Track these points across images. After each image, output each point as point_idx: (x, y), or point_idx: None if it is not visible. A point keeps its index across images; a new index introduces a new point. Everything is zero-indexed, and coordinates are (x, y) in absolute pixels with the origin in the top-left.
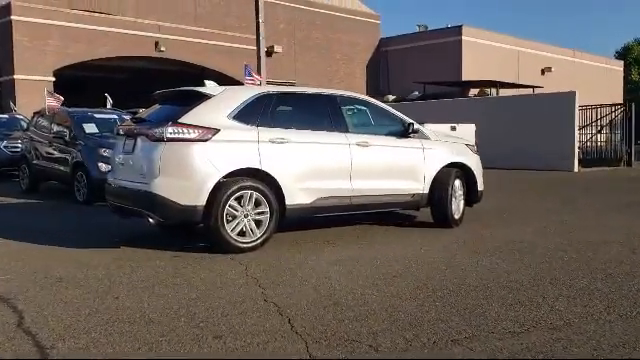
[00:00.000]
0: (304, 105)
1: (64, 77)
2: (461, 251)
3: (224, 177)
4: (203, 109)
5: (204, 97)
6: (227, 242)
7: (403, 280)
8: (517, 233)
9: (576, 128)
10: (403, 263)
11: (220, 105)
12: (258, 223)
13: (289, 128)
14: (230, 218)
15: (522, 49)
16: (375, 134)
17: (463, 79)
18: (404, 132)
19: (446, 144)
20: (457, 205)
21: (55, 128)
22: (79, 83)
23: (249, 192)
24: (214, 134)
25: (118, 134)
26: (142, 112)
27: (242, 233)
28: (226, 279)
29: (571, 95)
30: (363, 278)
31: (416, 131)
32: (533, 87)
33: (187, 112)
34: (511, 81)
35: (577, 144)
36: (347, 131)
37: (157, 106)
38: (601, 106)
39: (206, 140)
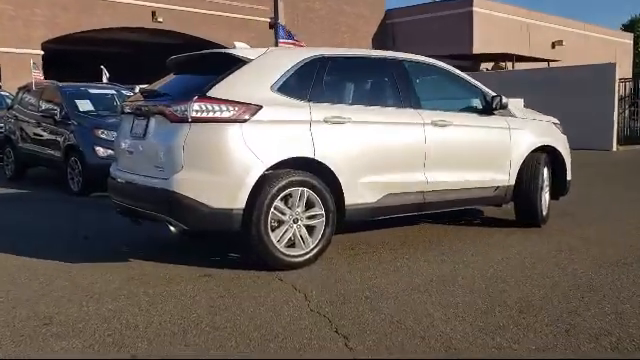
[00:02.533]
0: (366, 73)
1: (53, 51)
2: (579, 263)
3: (268, 170)
4: (239, 78)
5: (238, 62)
6: (273, 256)
7: (535, 317)
8: (623, 233)
9: (616, 103)
10: (516, 286)
11: (261, 73)
12: (310, 230)
13: (348, 103)
14: (275, 224)
15: (533, 21)
16: (452, 110)
17: (474, 52)
18: (487, 108)
19: (533, 123)
20: (544, 199)
21: (43, 105)
22: (70, 58)
23: (299, 189)
24: (255, 112)
25: (123, 112)
26: (153, 84)
27: (291, 243)
28: (284, 317)
29: (610, 67)
30: (476, 315)
31: (504, 106)
32: (548, 61)
33: (217, 83)
34: (526, 54)
35: (616, 120)
36: (419, 107)
37: (172, 76)
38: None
39: (245, 120)
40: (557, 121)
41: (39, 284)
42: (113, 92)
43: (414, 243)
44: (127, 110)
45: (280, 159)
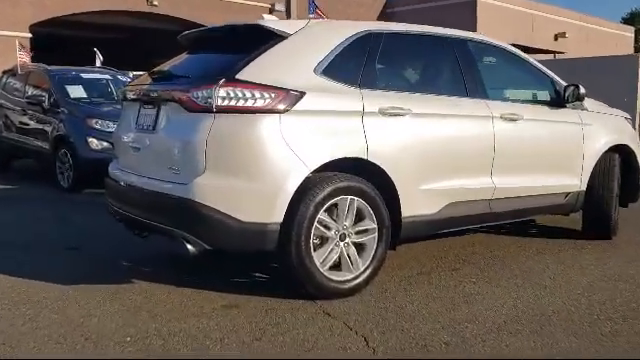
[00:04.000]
0: (425, 53)
1: (43, 35)
2: None
3: (312, 173)
4: (275, 57)
5: (274, 37)
6: (315, 282)
7: None
8: None
9: (639, 97)
10: (627, 327)
11: (302, 51)
12: (360, 248)
13: (405, 91)
14: (318, 242)
15: (537, 12)
16: (522, 102)
17: None
18: (557, 100)
19: (605, 118)
20: (616, 206)
21: (30, 91)
22: (60, 43)
23: (348, 198)
24: (296, 100)
25: (126, 99)
26: (163, 65)
27: (336, 265)
28: None
29: (633, 59)
30: None
31: (581, 98)
32: (554, 52)
33: (249, 63)
34: (530, 45)
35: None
36: (486, 96)
37: (187, 55)
38: None
39: (284, 110)
40: (628, 115)
41: (21, 317)
42: (108, 77)
43: (474, 260)
44: (131, 96)
45: (327, 160)
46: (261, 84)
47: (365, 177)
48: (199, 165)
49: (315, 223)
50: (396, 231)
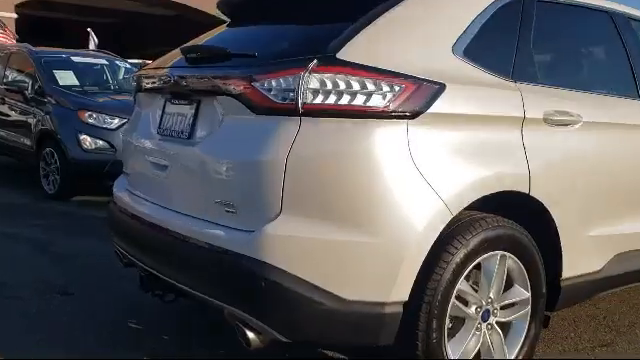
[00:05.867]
0: (589, 34)
1: (31, 19)
2: None
3: (454, 219)
4: (392, 26)
5: None
6: None
7: None
8: None
9: None
10: None
11: (432, 18)
12: (505, 329)
13: (569, 87)
14: (451, 324)
15: None
16: None
17: None
18: None
19: None
20: None
21: (10, 76)
22: (51, 27)
23: (498, 255)
24: (433, 97)
25: (141, 89)
26: (199, 39)
27: (473, 356)
28: None
29: None
30: None
31: None
32: None
33: (352, 35)
34: None
35: None
36: None
37: (236, 26)
38: None
39: (414, 115)
40: None
41: None
42: (103, 62)
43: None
44: (149, 85)
45: (478, 196)
46: (378, 69)
47: (517, 220)
48: (272, 202)
49: (452, 298)
50: (552, 299)
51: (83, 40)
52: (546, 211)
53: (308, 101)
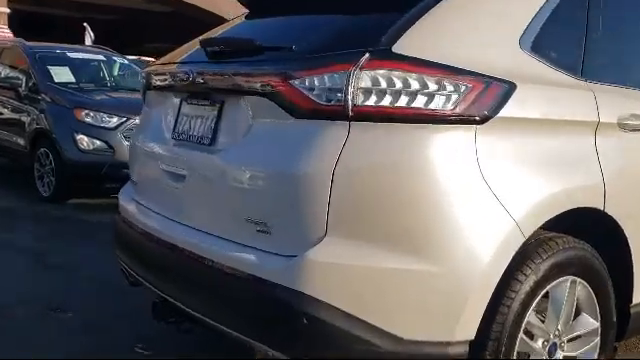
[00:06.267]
0: None
1: (25, 15)
2: None
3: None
4: (452, 15)
5: None
6: None
7: None
8: None
9: None
10: None
11: (495, 6)
12: None
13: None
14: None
15: None
16: None
17: None
18: None
19: None
20: None
21: (3, 72)
22: (46, 23)
23: (568, 281)
24: (504, 99)
25: (151, 87)
26: (217, 30)
27: None
28: None
29: None
30: None
31: None
32: None
33: (408, 24)
34: None
35: None
36: None
37: (243, 20)
38: None
39: (483, 120)
40: None
41: None
42: (100, 58)
43: None
44: (159, 82)
45: (552, 215)
46: (441, 65)
47: (585, 239)
48: (315, 222)
49: (521, 332)
50: (620, 328)
51: (79, 36)
52: (617, 228)
53: (359, 102)
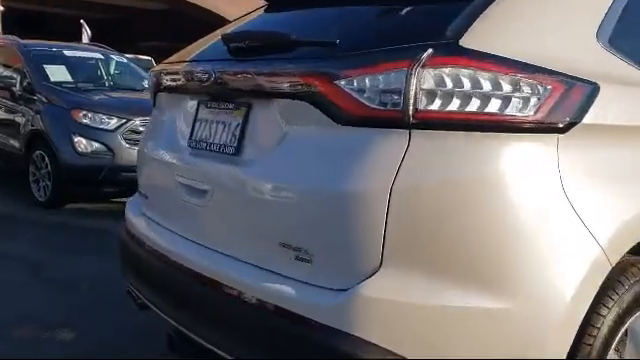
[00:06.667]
0: None
1: (19, 13)
2: None
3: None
4: (523, 6)
5: None
6: None
7: None
8: None
9: None
10: None
11: None
12: None
13: None
14: None
15: None
16: None
17: None
18: None
19: None
20: None
21: None
22: (39, 21)
23: None
24: (587, 104)
25: (161, 89)
26: (236, 24)
27: None
28: None
29: None
30: None
31: None
32: None
33: (474, 16)
34: None
35: None
36: None
37: (262, 12)
38: None
39: (565, 128)
40: None
41: None
42: (98, 56)
43: None
44: (172, 83)
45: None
46: (517, 62)
47: None
48: (369, 250)
49: None
50: None
51: (75, 34)
52: None
53: (421, 107)
